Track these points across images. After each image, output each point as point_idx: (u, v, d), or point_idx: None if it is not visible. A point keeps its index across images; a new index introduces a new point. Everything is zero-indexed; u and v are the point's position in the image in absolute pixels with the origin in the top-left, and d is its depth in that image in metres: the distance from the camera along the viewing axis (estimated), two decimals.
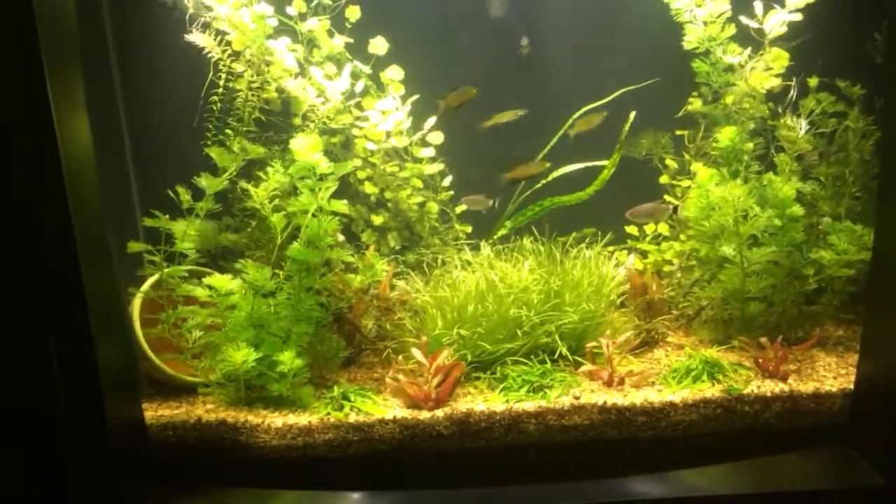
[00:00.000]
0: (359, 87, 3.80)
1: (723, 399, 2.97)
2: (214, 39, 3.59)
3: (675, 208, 3.80)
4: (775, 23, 3.62)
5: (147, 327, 3.20)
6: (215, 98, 3.65)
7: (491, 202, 3.89)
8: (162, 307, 3.17)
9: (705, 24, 3.65)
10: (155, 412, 3.09)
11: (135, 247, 3.09)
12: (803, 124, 3.67)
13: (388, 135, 3.89)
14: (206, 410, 3.10)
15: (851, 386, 2.99)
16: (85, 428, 2.59)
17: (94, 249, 2.58)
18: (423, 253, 3.92)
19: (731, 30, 3.64)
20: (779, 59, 3.69)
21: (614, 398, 2.98)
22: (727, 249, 3.43)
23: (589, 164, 3.94)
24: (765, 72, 3.70)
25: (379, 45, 3.77)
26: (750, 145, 3.69)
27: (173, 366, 3.27)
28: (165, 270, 3.14)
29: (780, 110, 3.75)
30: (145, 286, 3.26)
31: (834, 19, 3.76)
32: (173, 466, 2.98)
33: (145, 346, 3.21)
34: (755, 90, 3.73)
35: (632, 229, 4.06)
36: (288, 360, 2.99)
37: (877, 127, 3.63)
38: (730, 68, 3.72)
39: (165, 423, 3.01)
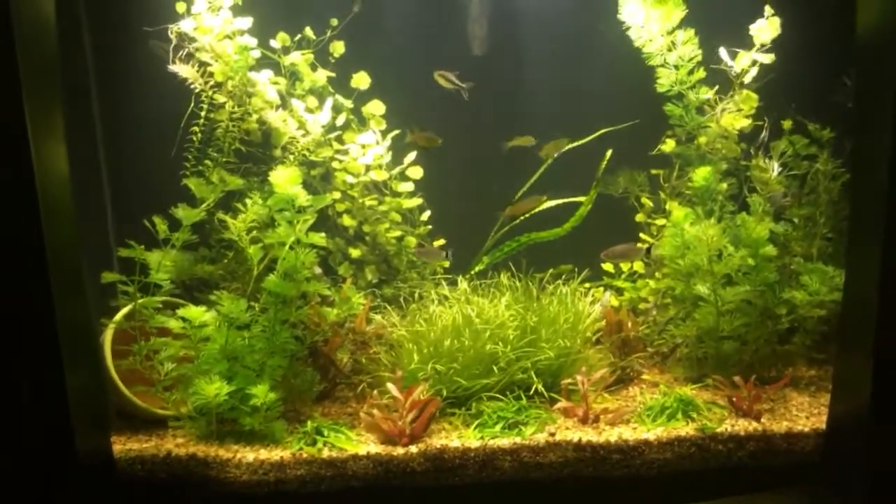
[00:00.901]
0: (340, 120, 3.83)
1: (697, 437, 2.98)
2: (197, 70, 3.60)
3: (649, 248, 3.83)
4: (745, 63, 3.71)
5: (119, 359, 3.16)
6: (195, 129, 3.65)
7: (445, 254, 3.89)
8: (134, 338, 3.13)
9: (677, 67, 3.74)
10: (124, 445, 3.03)
11: (109, 277, 3.07)
12: (775, 166, 3.74)
13: (368, 168, 3.91)
14: (176, 444, 3.04)
15: (824, 425, 3.01)
16: (54, 460, 2.53)
17: (67, 279, 2.54)
18: (401, 287, 3.92)
19: (701, 74, 3.72)
20: (748, 100, 3.78)
21: (589, 435, 2.98)
22: (702, 288, 3.46)
23: (566, 200, 3.98)
24: (736, 112, 3.78)
25: (361, 80, 3.81)
26: (724, 185, 3.75)
27: (144, 398, 3.21)
28: (139, 301, 3.11)
29: (752, 151, 3.82)
30: (117, 317, 3.22)
31: (804, 64, 3.85)
32: (142, 501, 2.92)
33: (115, 377, 3.16)
34: (727, 131, 3.81)
35: (608, 266, 4.09)
36: (261, 393, 2.96)
37: (845, 169, 3.71)
38: (701, 110, 3.80)
39: (134, 456, 2.95)
